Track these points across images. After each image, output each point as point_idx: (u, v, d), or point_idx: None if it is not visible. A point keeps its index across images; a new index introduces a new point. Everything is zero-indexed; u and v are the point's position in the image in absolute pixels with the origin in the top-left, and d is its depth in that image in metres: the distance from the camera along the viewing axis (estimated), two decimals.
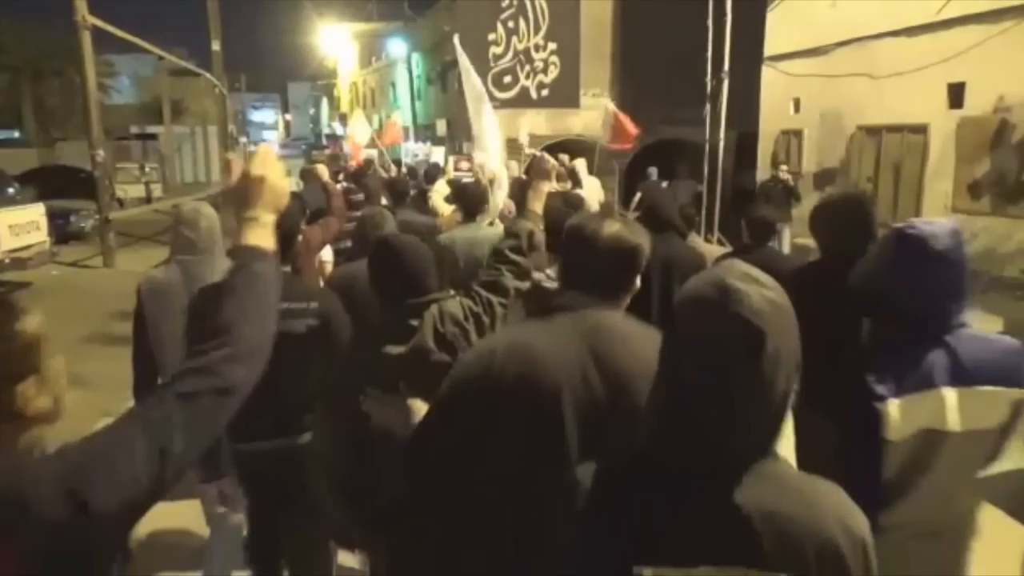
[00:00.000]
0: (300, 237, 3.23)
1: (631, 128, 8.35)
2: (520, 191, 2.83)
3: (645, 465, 1.13)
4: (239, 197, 1.47)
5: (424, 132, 29.86)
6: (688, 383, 1.10)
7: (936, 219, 1.86)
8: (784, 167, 11.73)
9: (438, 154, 18.36)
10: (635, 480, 1.12)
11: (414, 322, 2.06)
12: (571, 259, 1.73)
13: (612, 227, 1.68)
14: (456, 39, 7.50)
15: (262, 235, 1.43)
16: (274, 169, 1.49)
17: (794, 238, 10.77)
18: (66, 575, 1.09)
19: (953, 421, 1.70)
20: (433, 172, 9.47)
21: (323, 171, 5.28)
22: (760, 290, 1.08)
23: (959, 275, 1.79)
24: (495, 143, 6.44)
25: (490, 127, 6.51)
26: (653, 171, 13.61)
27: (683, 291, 1.16)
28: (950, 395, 1.70)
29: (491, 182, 4.95)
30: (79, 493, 1.07)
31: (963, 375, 1.72)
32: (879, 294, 1.86)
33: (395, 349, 2.02)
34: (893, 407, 1.68)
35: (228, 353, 1.26)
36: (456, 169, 12.71)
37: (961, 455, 1.72)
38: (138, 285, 3.22)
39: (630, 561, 1.08)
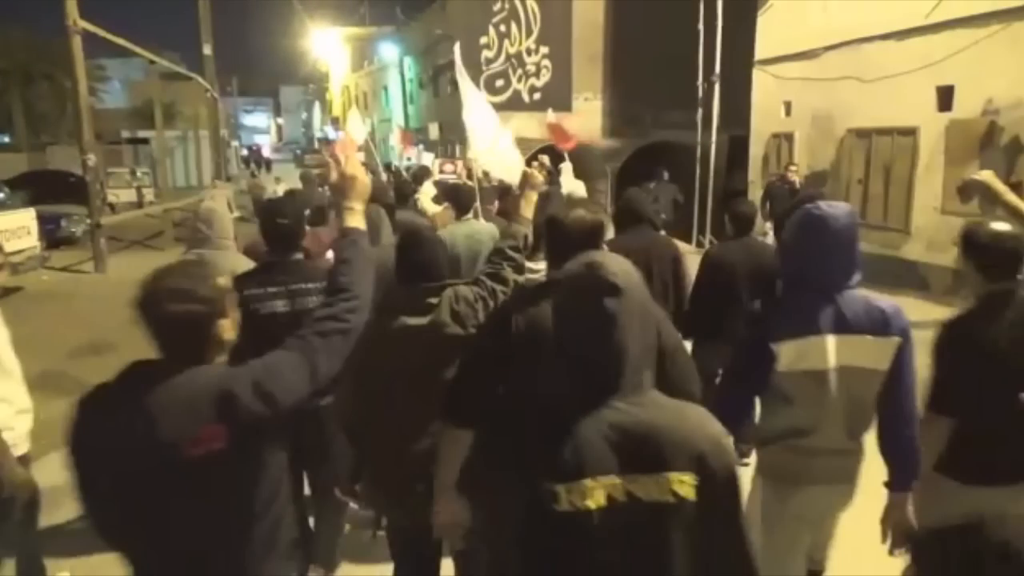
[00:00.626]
0: (307, 233, 3.60)
1: (568, 133, 8.64)
2: (513, 199, 3.29)
3: (553, 399, 1.49)
4: (339, 191, 2.04)
5: (417, 136, 29.87)
6: (572, 334, 1.47)
7: (837, 203, 2.32)
8: (793, 167, 11.29)
9: (427, 159, 18.57)
10: (548, 409, 1.48)
11: (432, 300, 2.50)
12: (550, 242, 2.26)
13: (576, 211, 2.21)
14: (456, 48, 7.71)
15: (359, 219, 2.02)
16: (356, 166, 2.05)
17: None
18: (257, 447, 1.70)
19: (831, 360, 2.20)
20: (421, 174, 9.64)
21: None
22: (613, 263, 1.48)
23: (851, 247, 2.24)
24: (509, 149, 6.84)
25: (501, 136, 6.90)
26: (664, 173, 13.43)
27: (563, 272, 1.54)
28: (831, 340, 2.19)
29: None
30: (268, 392, 1.67)
31: (844, 324, 2.20)
32: (788, 260, 2.37)
33: (412, 320, 2.47)
34: (786, 347, 2.19)
35: (350, 306, 1.85)
36: (441, 171, 13.02)
37: (837, 386, 2.22)
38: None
39: (548, 481, 1.38)
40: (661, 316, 2.15)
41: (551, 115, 9.41)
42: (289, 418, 1.73)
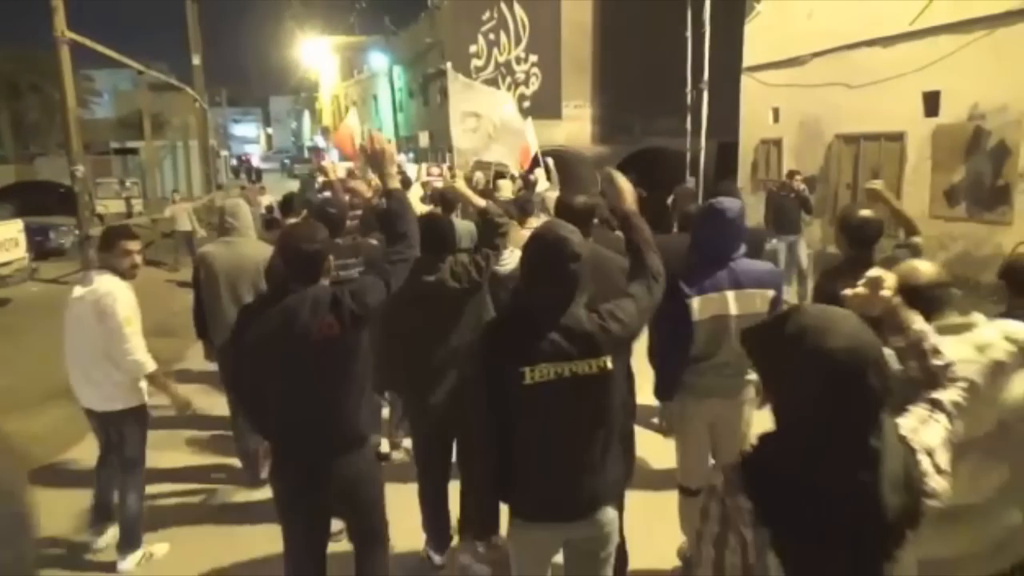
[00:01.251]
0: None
1: (526, 155, 9.00)
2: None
3: (522, 311, 2.34)
4: (376, 163, 2.99)
5: (406, 144, 29.88)
6: (545, 276, 2.27)
7: (731, 199, 3.25)
8: (799, 176, 10.10)
9: (411, 169, 18.99)
10: (517, 320, 2.34)
11: (440, 264, 3.49)
12: (559, 216, 3.43)
13: (579, 198, 3.62)
14: (449, 66, 8.24)
15: (395, 182, 2.96)
16: (381, 141, 2.96)
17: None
18: (356, 334, 2.67)
19: (732, 309, 3.17)
20: (407, 180, 9.96)
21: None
22: (571, 232, 2.29)
23: (740, 230, 3.19)
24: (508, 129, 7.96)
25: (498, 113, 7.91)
26: (691, 181, 13.75)
27: (532, 236, 2.35)
28: (730, 294, 3.17)
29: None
30: (362, 298, 2.64)
31: (737, 283, 3.18)
32: (696, 238, 3.31)
33: (427, 278, 3.44)
34: (695, 301, 3.15)
35: (407, 243, 2.83)
36: (428, 175, 13.54)
37: (734, 327, 3.16)
38: (197, 255, 4.88)
39: (520, 366, 2.20)
40: (615, 268, 3.08)
41: (528, 128, 9.48)
42: (374, 316, 2.74)
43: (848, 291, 1.80)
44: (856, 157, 11.73)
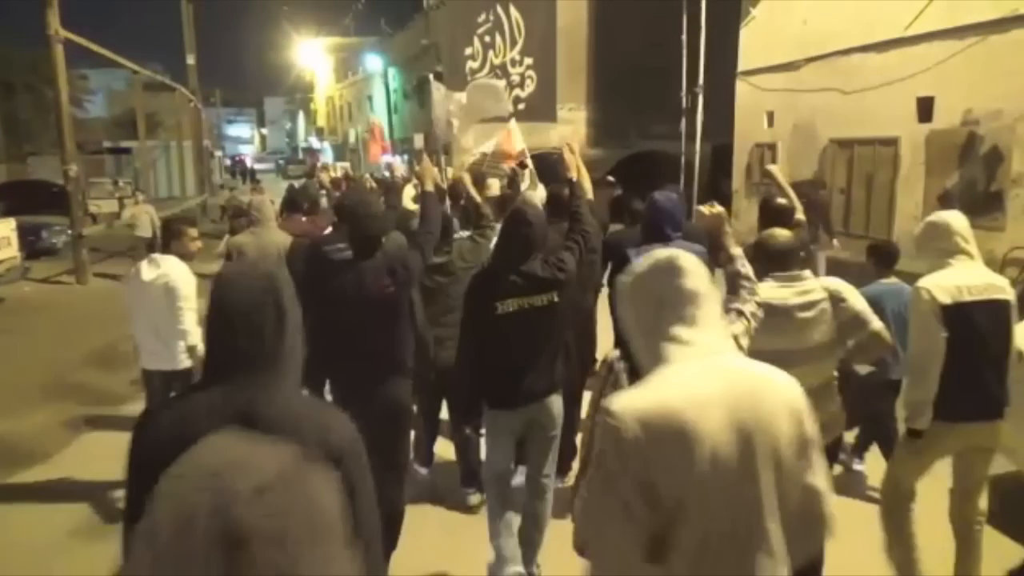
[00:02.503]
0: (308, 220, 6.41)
1: (514, 147, 9.25)
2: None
3: (497, 266, 3.50)
4: (424, 176, 4.01)
5: (401, 146, 29.86)
6: (509, 238, 3.43)
7: (667, 193, 4.13)
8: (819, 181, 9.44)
9: (401, 169, 19.17)
10: (493, 272, 3.49)
11: (448, 248, 4.47)
12: (551, 205, 4.80)
13: (560, 189, 4.73)
14: (431, 77, 8.83)
15: (430, 185, 3.94)
16: (429, 167, 4.10)
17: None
18: (405, 292, 3.61)
19: None
20: (387, 186, 10.42)
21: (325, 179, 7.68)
22: (532, 208, 3.58)
23: (672, 215, 3.91)
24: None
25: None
26: (674, 187, 13.78)
27: (513, 208, 3.56)
28: None
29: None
30: (408, 265, 3.58)
31: None
32: (643, 222, 4.10)
33: (438, 259, 4.31)
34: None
35: (430, 227, 3.80)
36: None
37: None
38: (227, 243, 5.96)
39: (493, 300, 3.32)
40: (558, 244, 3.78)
41: (512, 125, 9.83)
42: (416, 278, 3.76)
43: (703, 208, 2.97)
44: (850, 162, 11.77)
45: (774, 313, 2.94)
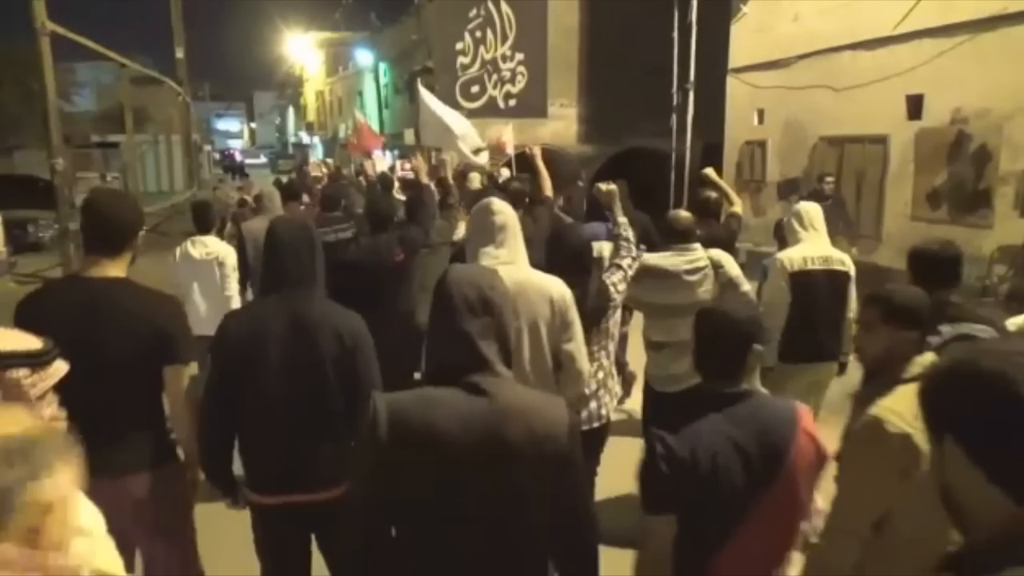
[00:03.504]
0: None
1: (373, 137, 10.02)
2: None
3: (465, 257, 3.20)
4: (418, 171, 6.77)
5: (392, 141, 29.76)
6: (470, 227, 3.17)
7: (608, 184, 4.08)
8: (829, 179, 8.73)
9: (381, 164, 19.28)
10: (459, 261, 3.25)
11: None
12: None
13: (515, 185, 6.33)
14: (419, 81, 9.37)
15: (426, 178, 6.70)
16: (422, 163, 6.91)
17: (757, 246, 10.89)
18: (411, 258, 5.28)
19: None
20: (386, 180, 10.39)
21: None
22: (497, 203, 3.03)
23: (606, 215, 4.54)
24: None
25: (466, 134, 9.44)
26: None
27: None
28: (606, 245, 4.27)
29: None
30: (413, 238, 5.37)
31: (606, 235, 4.78)
32: (588, 203, 5.64)
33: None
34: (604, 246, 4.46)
35: (431, 209, 6.11)
36: (402, 169, 14.35)
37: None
38: (242, 228, 6.31)
39: None
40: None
41: (358, 116, 10.84)
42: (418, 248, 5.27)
43: (601, 185, 3.95)
44: (840, 159, 11.80)
45: (668, 276, 4.02)
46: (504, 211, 2.94)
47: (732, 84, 14.59)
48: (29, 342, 1.55)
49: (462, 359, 1.69)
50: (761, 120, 13.97)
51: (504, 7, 20.74)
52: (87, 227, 2.69)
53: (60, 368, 1.57)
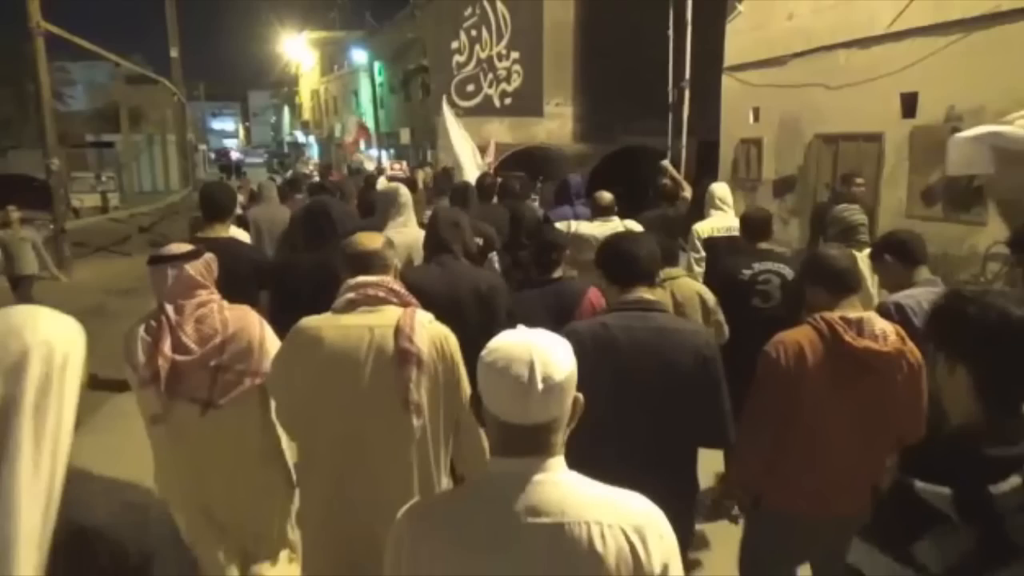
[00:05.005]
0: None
1: (364, 132, 10.63)
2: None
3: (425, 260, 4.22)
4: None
5: (387, 140, 29.74)
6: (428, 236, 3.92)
7: (575, 176, 6.59)
8: (859, 180, 7.46)
9: (369, 164, 19.59)
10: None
11: None
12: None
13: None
14: (444, 102, 9.97)
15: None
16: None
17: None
18: None
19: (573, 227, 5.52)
20: (371, 179, 10.67)
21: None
22: (450, 211, 4.36)
23: (580, 188, 6.52)
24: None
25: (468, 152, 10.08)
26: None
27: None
28: (583, 224, 5.62)
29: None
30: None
31: (576, 215, 6.18)
32: (556, 190, 6.77)
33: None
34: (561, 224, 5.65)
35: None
36: (391, 170, 14.65)
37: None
38: (249, 216, 6.75)
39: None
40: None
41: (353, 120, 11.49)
42: None
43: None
44: (835, 157, 11.82)
45: (591, 242, 4.83)
46: (404, 193, 4.67)
47: (727, 82, 14.61)
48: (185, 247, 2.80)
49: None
50: (756, 118, 13.99)
51: (499, 6, 20.75)
52: (205, 205, 4.24)
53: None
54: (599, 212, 5.54)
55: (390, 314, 2.38)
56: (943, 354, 1.53)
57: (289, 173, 17.54)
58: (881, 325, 2.52)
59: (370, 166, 19.66)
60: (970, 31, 9.26)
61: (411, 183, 8.53)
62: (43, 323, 1.26)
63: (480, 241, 4.43)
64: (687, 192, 6.99)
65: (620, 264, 2.67)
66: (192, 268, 2.66)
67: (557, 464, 1.41)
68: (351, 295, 2.40)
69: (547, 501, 1.36)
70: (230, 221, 4.36)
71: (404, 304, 2.45)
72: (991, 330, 1.42)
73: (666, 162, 7.50)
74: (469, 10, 20.68)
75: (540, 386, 1.34)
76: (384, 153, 29.15)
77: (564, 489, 1.38)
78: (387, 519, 1.64)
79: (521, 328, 1.45)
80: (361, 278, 2.42)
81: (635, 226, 5.32)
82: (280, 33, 43.12)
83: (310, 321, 2.40)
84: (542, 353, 1.37)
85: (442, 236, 3.60)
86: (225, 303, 2.74)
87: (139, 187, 34.89)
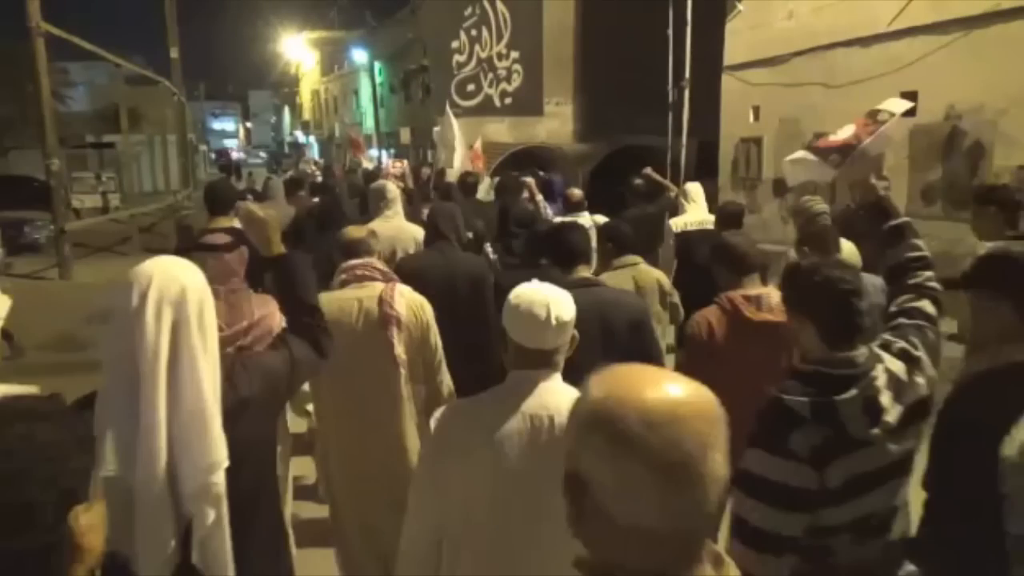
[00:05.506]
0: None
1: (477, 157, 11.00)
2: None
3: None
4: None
5: (388, 140, 29.74)
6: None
7: (553, 175, 9.02)
8: (885, 181, 6.27)
9: (368, 163, 19.73)
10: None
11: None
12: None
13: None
14: (448, 107, 10.44)
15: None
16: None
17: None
18: None
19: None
20: (372, 176, 10.89)
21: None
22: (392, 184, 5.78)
23: (560, 188, 8.14)
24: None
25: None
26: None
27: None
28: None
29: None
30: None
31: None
32: (541, 187, 7.98)
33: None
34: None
35: None
36: (391, 168, 15.04)
37: None
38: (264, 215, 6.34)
39: None
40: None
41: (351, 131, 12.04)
42: None
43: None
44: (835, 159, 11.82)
45: None
46: (392, 190, 5.29)
47: (727, 81, 14.60)
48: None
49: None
50: (756, 117, 13.98)
51: (499, 5, 20.75)
52: (210, 200, 4.76)
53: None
54: (571, 207, 6.65)
55: (375, 288, 3.07)
56: (795, 311, 2.12)
57: (289, 174, 17.95)
58: (777, 298, 2.85)
59: (368, 165, 19.90)
60: (970, 30, 9.26)
61: (417, 176, 9.99)
62: (188, 272, 1.84)
63: (470, 235, 4.98)
64: (672, 192, 7.52)
65: (561, 250, 3.39)
66: (229, 257, 2.98)
67: (557, 376, 1.94)
68: (343, 276, 3.14)
69: (548, 400, 1.86)
70: (232, 214, 4.50)
71: (386, 280, 3.14)
72: (824, 291, 2.00)
73: (649, 169, 8.21)
74: (469, 10, 20.67)
75: (553, 322, 1.87)
76: (384, 153, 29.16)
77: (560, 394, 1.87)
78: (386, 442, 3.05)
79: (536, 282, 1.98)
80: (351, 261, 3.16)
81: (602, 219, 6.08)
82: (280, 33, 43.17)
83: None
84: (554, 299, 1.90)
85: (440, 227, 4.17)
86: (252, 292, 3.11)
87: (139, 188, 34.87)
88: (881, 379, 1.93)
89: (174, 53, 23.29)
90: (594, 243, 4.96)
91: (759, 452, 1.89)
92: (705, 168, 15.91)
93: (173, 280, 1.77)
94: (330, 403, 3.15)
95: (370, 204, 5.40)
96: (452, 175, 10.29)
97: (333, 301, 2.98)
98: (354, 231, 3.30)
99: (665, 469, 0.92)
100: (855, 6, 10.93)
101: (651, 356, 3.09)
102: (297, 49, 44.67)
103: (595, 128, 20.53)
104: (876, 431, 1.89)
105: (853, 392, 1.89)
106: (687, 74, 14.50)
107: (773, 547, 1.86)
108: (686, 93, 14.55)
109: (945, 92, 9.69)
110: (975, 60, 9.19)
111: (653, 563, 0.96)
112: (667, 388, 0.98)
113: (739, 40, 14.08)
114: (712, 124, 15.08)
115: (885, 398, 1.92)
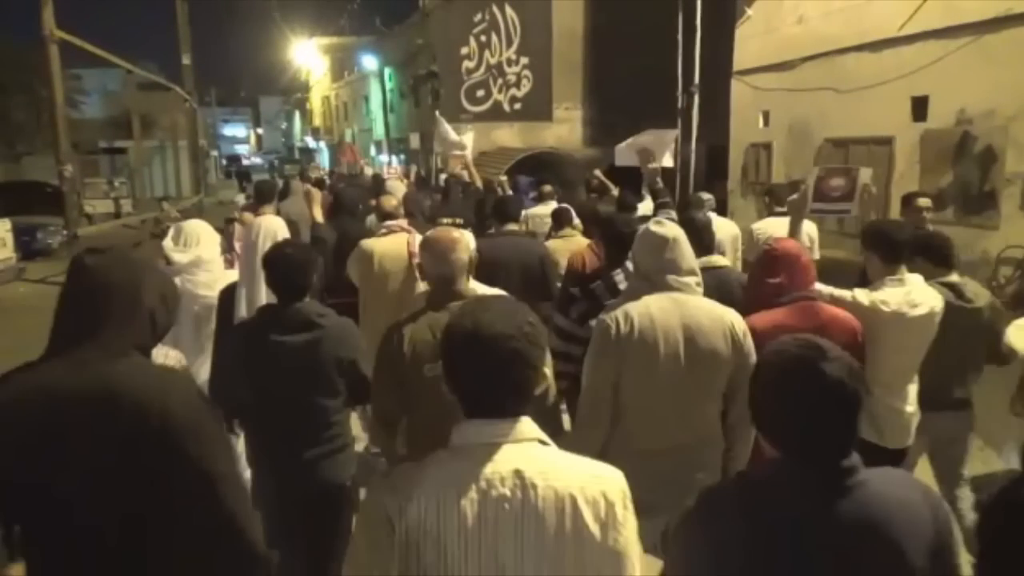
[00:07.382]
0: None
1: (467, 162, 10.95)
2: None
3: None
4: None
5: (397, 145, 29.80)
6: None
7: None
8: (925, 201, 5.77)
9: (369, 169, 20.08)
10: None
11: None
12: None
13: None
14: (437, 114, 10.22)
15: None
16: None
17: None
18: None
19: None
20: (379, 181, 11.15)
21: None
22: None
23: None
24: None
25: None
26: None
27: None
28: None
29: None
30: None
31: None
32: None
33: None
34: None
35: None
36: (387, 173, 15.48)
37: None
38: (283, 209, 7.01)
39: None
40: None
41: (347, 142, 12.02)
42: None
43: None
44: (845, 161, 11.77)
45: (542, 217, 6.70)
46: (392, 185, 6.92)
47: (737, 86, 14.59)
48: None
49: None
50: (766, 122, 13.96)
51: (509, 11, 20.79)
52: (258, 192, 6.10)
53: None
54: (542, 198, 7.97)
55: (402, 237, 4.70)
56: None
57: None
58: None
59: (369, 171, 20.84)
60: (981, 34, 9.23)
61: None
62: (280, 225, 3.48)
63: (460, 221, 5.83)
64: (615, 191, 8.56)
65: (498, 211, 5.32)
66: None
67: None
68: (383, 231, 4.83)
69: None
70: (275, 204, 5.83)
71: (409, 232, 4.72)
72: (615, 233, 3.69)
73: (597, 172, 9.35)
74: (479, 16, 20.72)
75: (672, 242, 2.73)
76: (395, 158, 29.25)
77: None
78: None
79: (659, 218, 3.03)
80: (388, 222, 4.91)
81: (566, 206, 6.79)
82: (291, 39, 43.29)
83: (365, 243, 4.75)
84: (675, 230, 2.78)
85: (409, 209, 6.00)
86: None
87: (151, 193, 35.08)
88: None
89: (186, 59, 23.46)
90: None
91: (559, 316, 4.09)
92: (715, 174, 15.90)
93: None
94: (372, 304, 4.65)
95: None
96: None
97: (379, 244, 4.71)
98: (387, 202, 5.30)
99: None
100: (865, 11, 10.91)
101: (550, 292, 4.81)
102: (308, 55, 44.81)
103: (604, 133, 20.47)
104: None
105: (600, 284, 3.73)
106: (696, 79, 14.52)
107: None
108: (696, 98, 14.57)
109: (956, 97, 9.65)
110: (986, 65, 9.16)
111: None
112: None
113: (749, 45, 14.06)
114: (722, 129, 15.07)
115: None
